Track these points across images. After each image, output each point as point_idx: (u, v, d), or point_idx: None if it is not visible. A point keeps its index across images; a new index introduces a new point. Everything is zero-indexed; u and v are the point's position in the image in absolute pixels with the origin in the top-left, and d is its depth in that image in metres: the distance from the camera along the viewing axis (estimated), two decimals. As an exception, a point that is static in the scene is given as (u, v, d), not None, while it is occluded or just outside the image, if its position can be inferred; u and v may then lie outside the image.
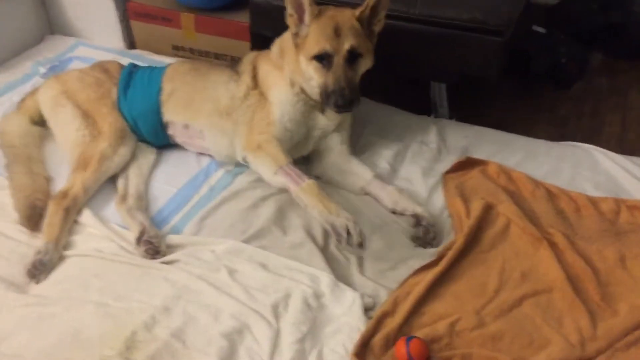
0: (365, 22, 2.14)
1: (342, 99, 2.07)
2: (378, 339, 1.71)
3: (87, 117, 2.27)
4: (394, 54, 2.61)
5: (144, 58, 2.96)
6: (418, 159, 2.40)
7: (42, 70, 2.86)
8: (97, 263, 1.97)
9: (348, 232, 1.97)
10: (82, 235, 2.08)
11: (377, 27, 2.18)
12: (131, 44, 3.19)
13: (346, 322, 1.77)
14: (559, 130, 2.82)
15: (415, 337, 1.68)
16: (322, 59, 2.10)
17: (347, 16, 2.12)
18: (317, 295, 1.84)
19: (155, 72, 2.40)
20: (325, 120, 2.27)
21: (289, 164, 2.14)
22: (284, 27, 2.23)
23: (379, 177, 2.26)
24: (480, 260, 1.98)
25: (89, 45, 3.13)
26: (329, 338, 1.74)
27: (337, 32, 2.08)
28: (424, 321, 1.79)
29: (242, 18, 2.86)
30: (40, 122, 2.43)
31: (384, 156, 2.40)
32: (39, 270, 1.93)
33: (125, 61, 2.58)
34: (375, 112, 2.67)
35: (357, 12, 2.12)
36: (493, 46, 2.42)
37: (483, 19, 2.37)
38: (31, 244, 2.02)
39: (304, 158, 2.35)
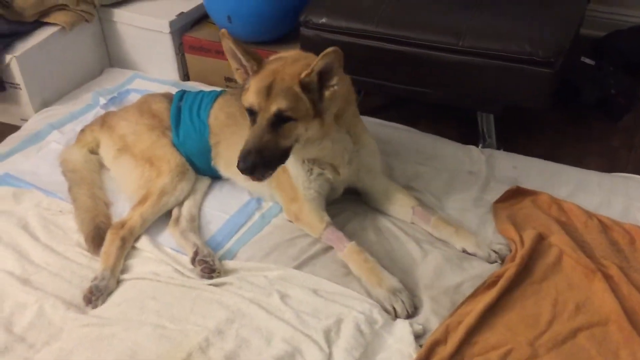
0: (315, 86, 1.92)
1: (242, 162, 1.88)
2: (430, 367, 1.71)
3: (146, 163, 2.33)
4: (441, 85, 2.66)
5: (197, 90, 3.06)
6: (467, 188, 2.40)
7: (103, 101, 2.99)
8: (154, 286, 2.04)
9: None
10: (139, 259, 2.15)
11: (329, 93, 1.94)
12: (185, 75, 3.32)
13: (397, 349, 1.78)
14: (610, 161, 2.78)
15: (468, 366, 1.68)
16: (251, 114, 1.96)
17: (288, 75, 1.92)
18: (370, 322, 1.85)
19: (202, 114, 2.40)
20: (342, 170, 2.19)
21: (328, 228, 2.11)
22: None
23: (419, 208, 2.22)
24: (533, 291, 1.96)
25: (145, 77, 3.26)
26: (381, 364, 1.75)
27: (269, 90, 1.90)
28: (475, 351, 1.78)
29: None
30: (97, 151, 2.53)
31: (433, 186, 2.41)
32: (95, 295, 2.00)
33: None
34: (423, 141, 2.69)
35: (303, 74, 1.91)
36: (542, 77, 2.44)
37: (532, 50, 2.39)
38: (92, 267, 2.10)
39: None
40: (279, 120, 1.91)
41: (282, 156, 1.98)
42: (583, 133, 3.00)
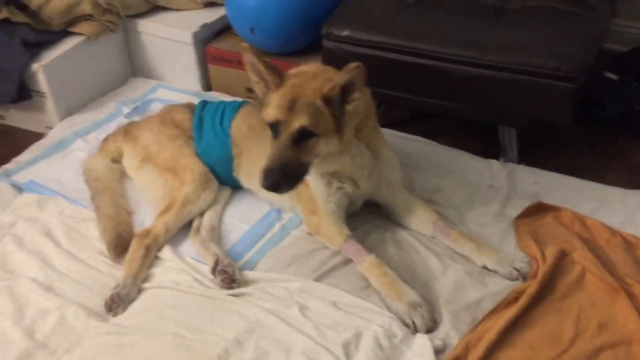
0: (337, 101, 1.93)
1: (264, 180, 1.90)
2: (450, 384, 1.70)
3: (169, 172, 2.35)
4: (464, 98, 2.65)
5: (218, 100, 3.09)
6: (488, 203, 2.38)
7: (126, 110, 3.03)
8: (174, 295, 2.05)
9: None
10: (160, 268, 2.17)
11: (350, 108, 1.94)
12: (207, 86, 3.35)
13: (417, 364, 1.77)
14: (633, 178, 2.75)
15: (489, 383, 1.66)
16: (274, 128, 1.96)
17: (310, 89, 1.92)
18: (389, 336, 1.84)
19: (225, 123, 2.43)
20: (362, 183, 2.19)
21: (348, 241, 2.12)
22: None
23: (440, 222, 2.21)
24: (555, 308, 1.94)
25: (168, 87, 3.30)
26: (400, 379, 1.74)
27: (291, 105, 1.90)
28: (496, 368, 1.76)
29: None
30: (120, 161, 2.55)
31: (454, 200, 2.40)
32: (116, 303, 2.01)
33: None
34: (444, 155, 2.68)
35: (326, 89, 1.91)
36: (565, 92, 2.42)
37: (556, 65, 2.37)
38: (113, 275, 2.12)
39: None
40: (302, 136, 1.92)
41: (304, 172, 1.99)
42: (606, 148, 2.97)
